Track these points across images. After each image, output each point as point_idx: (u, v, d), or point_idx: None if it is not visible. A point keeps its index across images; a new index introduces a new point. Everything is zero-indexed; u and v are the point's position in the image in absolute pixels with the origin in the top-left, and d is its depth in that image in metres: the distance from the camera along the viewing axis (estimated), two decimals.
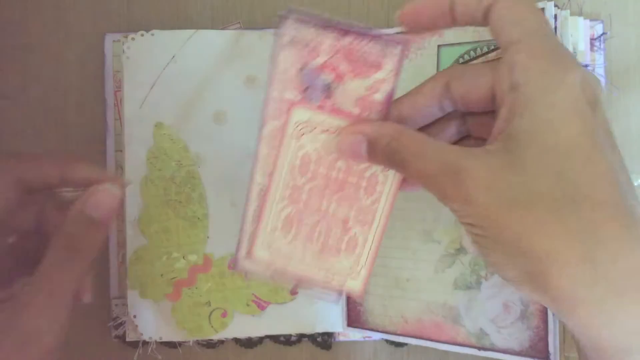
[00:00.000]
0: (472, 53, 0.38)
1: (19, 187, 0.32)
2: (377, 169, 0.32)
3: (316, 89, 0.31)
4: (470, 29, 0.38)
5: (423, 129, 0.32)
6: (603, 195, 0.25)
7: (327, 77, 0.30)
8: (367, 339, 0.44)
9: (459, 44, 0.39)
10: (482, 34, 0.38)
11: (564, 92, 0.26)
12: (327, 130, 0.31)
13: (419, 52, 0.40)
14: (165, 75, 0.42)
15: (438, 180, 0.28)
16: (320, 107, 0.31)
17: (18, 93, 0.44)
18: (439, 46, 0.39)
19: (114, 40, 0.44)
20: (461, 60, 0.38)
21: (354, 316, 0.42)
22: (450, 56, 0.39)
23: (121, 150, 0.43)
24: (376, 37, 0.29)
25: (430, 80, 0.31)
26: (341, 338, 0.44)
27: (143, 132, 0.41)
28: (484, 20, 0.29)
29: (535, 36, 0.27)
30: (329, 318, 0.42)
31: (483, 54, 0.38)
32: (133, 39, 0.41)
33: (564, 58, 0.27)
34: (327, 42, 0.30)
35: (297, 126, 0.32)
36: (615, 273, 0.25)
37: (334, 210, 0.33)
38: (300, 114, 0.31)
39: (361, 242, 0.33)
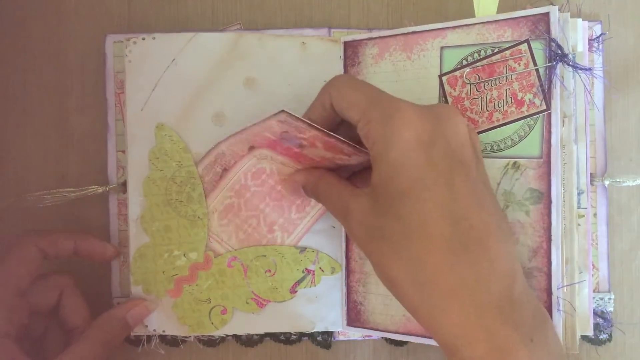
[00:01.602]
0: (475, 55, 0.38)
1: (39, 256, 0.39)
2: None
3: (291, 142, 0.37)
4: (474, 30, 0.38)
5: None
6: (429, 229, 0.31)
7: (303, 142, 0.37)
8: (367, 338, 0.44)
9: (463, 46, 0.39)
10: (487, 36, 0.38)
11: (397, 149, 0.32)
12: (283, 165, 0.40)
13: (421, 54, 0.40)
14: (166, 78, 0.42)
15: (338, 216, 0.36)
16: (289, 149, 0.38)
17: (19, 93, 0.44)
18: (441, 48, 0.39)
19: (114, 41, 0.44)
20: (464, 62, 0.39)
21: (354, 315, 0.42)
22: (453, 58, 0.39)
23: (123, 151, 0.43)
24: (352, 146, 0.35)
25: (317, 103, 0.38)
26: (341, 337, 0.44)
27: (145, 133, 0.42)
28: (333, 111, 0.36)
29: (369, 108, 0.33)
30: (329, 317, 0.43)
31: (487, 57, 0.38)
32: (135, 42, 0.42)
33: (394, 116, 0.32)
34: (311, 133, 0.35)
35: (262, 154, 0.40)
36: (437, 293, 0.31)
37: (268, 213, 0.42)
38: (268, 152, 0.40)
39: (278, 243, 0.43)
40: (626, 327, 0.44)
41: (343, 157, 0.37)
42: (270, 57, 0.42)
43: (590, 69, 0.38)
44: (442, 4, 0.45)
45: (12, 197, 0.43)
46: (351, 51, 0.42)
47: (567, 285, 0.37)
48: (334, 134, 0.35)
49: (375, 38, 0.41)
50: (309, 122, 0.34)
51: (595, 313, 0.43)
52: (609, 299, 0.43)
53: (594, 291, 0.43)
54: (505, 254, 0.32)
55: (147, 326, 0.42)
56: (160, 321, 0.42)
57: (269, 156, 0.40)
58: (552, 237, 0.36)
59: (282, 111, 0.34)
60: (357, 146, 0.35)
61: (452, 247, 0.31)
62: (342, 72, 0.42)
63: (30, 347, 0.38)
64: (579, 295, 0.40)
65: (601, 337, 0.43)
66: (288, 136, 0.36)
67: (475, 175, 0.33)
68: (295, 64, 0.42)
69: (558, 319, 0.36)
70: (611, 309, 0.43)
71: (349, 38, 0.42)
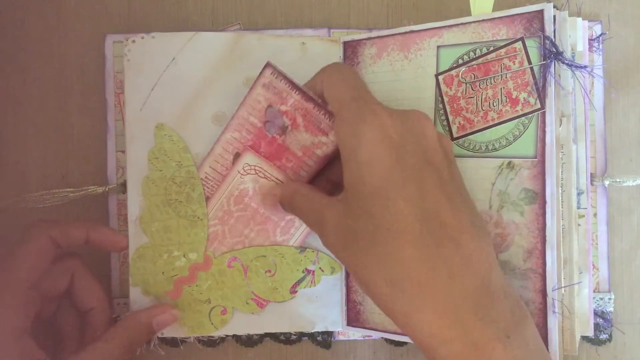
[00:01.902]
0: (471, 54, 0.38)
1: (52, 246, 0.38)
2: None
3: (274, 125, 0.39)
4: (470, 29, 0.38)
5: None
6: (400, 225, 0.31)
7: (286, 121, 0.38)
8: (366, 338, 0.44)
9: (459, 44, 0.39)
10: (482, 35, 0.38)
11: (365, 148, 0.32)
12: (266, 177, 0.40)
13: (418, 53, 0.40)
14: (166, 77, 0.42)
15: (314, 228, 0.36)
16: (272, 141, 0.39)
17: (19, 93, 0.44)
18: (438, 47, 0.39)
19: (114, 41, 0.44)
20: (460, 61, 0.38)
21: (354, 315, 0.42)
22: (449, 57, 0.39)
23: (123, 151, 0.43)
24: (329, 113, 0.37)
25: None
26: (341, 337, 0.44)
27: (144, 133, 0.42)
28: (322, 96, 0.37)
29: (345, 107, 0.34)
30: (329, 317, 0.43)
31: (482, 55, 0.38)
32: (134, 41, 0.42)
33: (365, 117, 0.33)
34: (292, 99, 0.38)
35: (246, 166, 0.40)
36: (410, 290, 0.30)
37: (253, 238, 0.42)
38: (251, 158, 0.40)
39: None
40: (626, 327, 0.44)
41: (322, 138, 0.38)
42: (270, 57, 0.42)
43: (586, 66, 0.38)
44: (442, 4, 0.45)
45: (12, 198, 0.43)
46: (351, 51, 0.42)
47: (563, 287, 0.37)
48: (312, 95, 0.37)
49: (374, 38, 0.41)
50: (290, 78, 0.37)
51: (595, 313, 0.43)
52: (609, 299, 0.43)
53: (594, 291, 0.43)
54: (479, 250, 0.31)
55: None
56: None
57: (254, 166, 0.40)
58: (547, 238, 0.36)
59: (268, 63, 0.38)
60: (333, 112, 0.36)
61: (424, 243, 0.31)
62: None
63: (41, 331, 0.38)
64: (579, 295, 0.39)
65: (601, 337, 0.43)
66: (272, 115, 0.38)
67: (446, 175, 0.33)
68: (295, 64, 0.42)
69: (553, 321, 0.35)
70: (611, 309, 0.43)
71: (349, 38, 0.42)
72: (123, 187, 0.43)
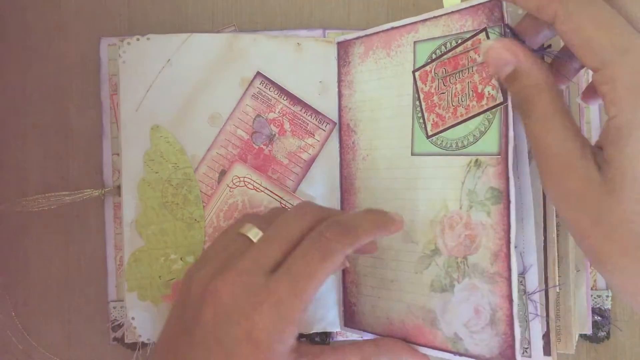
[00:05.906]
0: (442, 48, 0.36)
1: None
2: None
3: (262, 135, 0.40)
4: (441, 22, 0.36)
5: None
6: None
7: (273, 129, 0.40)
8: (364, 338, 0.44)
9: (432, 39, 0.37)
10: (451, 27, 0.36)
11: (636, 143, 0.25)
12: (255, 188, 0.41)
13: (398, 50, 0.39)
14: (161, 79, 0.42)
15: (542, 171, 0.29)
16: (259, 152, 0.40)
17: (18, 93, 0.44)
18: (415, 42, 0.38)
19: (109, 44, 0.44)
20: (434, 55, 0.37)
21: (349, 316, 0.42)
22: (424, 52, 0.38)
23: (118, 154, 0.43)
24: (316, 112, 0.40)
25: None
26: (339, 338, 0.44)
27: (140, 135, 0.42)
28: (537, 23, 0.31)
29: (609, 64, 0.26)
30: (327, 318, 0.42)
31: (452, 49, 0.36)
32: (129, 43, 0.41)
33: None
34: (280, 106, 0.40)
35: (234, 179, 0.41)
36: None
37: None
38: (240, 170, 0.41)
39: None
40: (624, 324, 0.44)
41: (308, 140, 0.38)
42: (265, 58, 0.42)
43: (549, 47, 0.34)
44: (441, 4, 0.45)
45: (9, 202, 0.43)
46: (343, 51, 0.42)
47: (541, 290, 0.36)
48: (302, 99, 0.38)
49: (362, 37, 0.41)
50: (280, 85, 0.39)
51: (593, 311, 0.43)
52: (607, 296, 0.43)
53: (591, 289, 0.43)
54: None
55: (140, 335, 0.41)
56: (156, 329, 0.41)
57: (243, 178, 0.40)
58: (511, 240, 0.33)
59: (258, 72, 0.39)
60: (323, 113, 0.37)
61: None
62: (335, 72, 0.42)
63: None
64: (577, 293, 0.39)
65: (599, 334, 0.43)
66: (259, 125, 0.38)
67: None
68: (291, 65, 0.42)
69: (536, 327, 0.35)
70: (609, 306, 0.43)
71: (341, 38, 0.42)
72: (120, 189, 0.43)
